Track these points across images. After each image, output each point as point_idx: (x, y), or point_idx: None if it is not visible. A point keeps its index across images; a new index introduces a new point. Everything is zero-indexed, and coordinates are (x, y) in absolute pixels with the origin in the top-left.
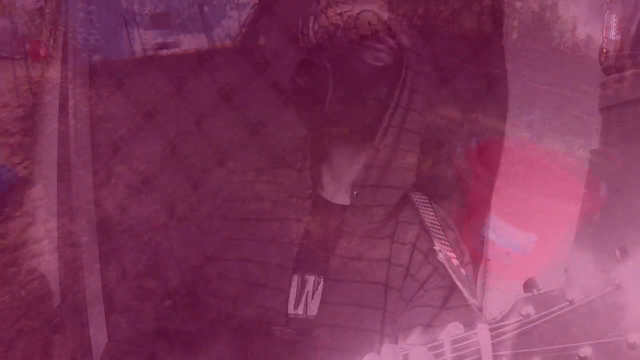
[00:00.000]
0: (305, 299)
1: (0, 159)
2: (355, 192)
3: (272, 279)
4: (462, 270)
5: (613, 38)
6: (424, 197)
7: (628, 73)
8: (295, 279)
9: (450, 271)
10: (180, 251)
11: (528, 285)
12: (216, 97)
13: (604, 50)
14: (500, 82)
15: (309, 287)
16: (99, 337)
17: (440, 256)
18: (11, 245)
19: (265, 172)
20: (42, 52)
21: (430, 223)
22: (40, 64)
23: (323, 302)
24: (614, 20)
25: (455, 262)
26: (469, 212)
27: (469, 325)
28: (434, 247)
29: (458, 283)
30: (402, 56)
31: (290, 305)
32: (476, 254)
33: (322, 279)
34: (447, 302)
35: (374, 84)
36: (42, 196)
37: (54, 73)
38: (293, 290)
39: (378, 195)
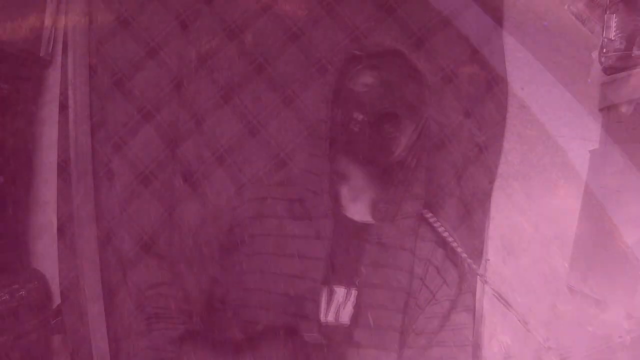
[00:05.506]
0: (336, 308)
1: None
2: (383, 209)
3: (302, 290)
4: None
5: (613, 38)
6: (430, 213)
7: (628, 73)
8: (324, 290)
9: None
10: (198, 265)
11: None
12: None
13: (604, 50)
14: (500, 82)
15: (340, 297)
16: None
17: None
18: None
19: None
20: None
21: (443, 237)
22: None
23: (356, 307)
24: (614, 20)
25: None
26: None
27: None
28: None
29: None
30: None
31: (322, 314)
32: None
33: (354, 290)
34: (453, 309)
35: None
36: (42, 196)
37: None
38: (323, 300)
39: (402, 209)
